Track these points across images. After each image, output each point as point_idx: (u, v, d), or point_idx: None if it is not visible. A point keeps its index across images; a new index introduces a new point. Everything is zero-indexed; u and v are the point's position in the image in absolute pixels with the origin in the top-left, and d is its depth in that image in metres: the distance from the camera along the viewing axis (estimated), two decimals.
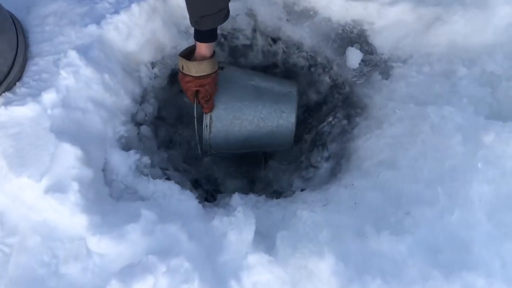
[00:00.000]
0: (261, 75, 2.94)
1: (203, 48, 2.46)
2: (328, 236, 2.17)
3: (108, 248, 2.33)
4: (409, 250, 2.08)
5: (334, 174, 2.78)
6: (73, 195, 2.41)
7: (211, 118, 2.79)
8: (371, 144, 2.63)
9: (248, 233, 2.33)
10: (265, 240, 2.39)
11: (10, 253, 2.45)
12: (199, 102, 2.67)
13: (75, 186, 2.43)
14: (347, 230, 2.20)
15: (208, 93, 2.59)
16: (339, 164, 2.80)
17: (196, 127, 2.74)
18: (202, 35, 2.41)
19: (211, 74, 2.52)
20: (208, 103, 2.70)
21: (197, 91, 2.61)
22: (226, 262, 2.31)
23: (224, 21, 2.33)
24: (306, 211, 2.33)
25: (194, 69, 2.47)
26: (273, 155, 3.48)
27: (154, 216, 2.42)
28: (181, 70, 2.55)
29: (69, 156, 2.50)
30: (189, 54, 2.55)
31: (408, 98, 2.68)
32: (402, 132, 2.56)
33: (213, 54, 2.53)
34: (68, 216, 2.40)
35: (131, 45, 2.99)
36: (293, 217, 2.40)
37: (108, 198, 2.64)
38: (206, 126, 2.81)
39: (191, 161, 3.30)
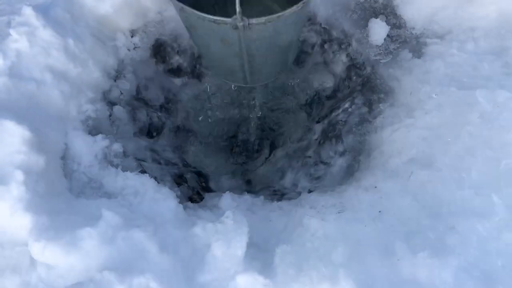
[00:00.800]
0: None
1: None
2: (345, 255, 1.62)
3: (56, 258, 1.79)
4: (456, 278, 1.54)
5: (350, 173, 2.24)
6: (16, 188, 1.88)
7: None
8: (400, 136, 2.08)
9: (238, 246, 1.80)
10: (260, 256, 1.86)
11: None
12: None
13: (19, 176, 1.90)
14: (369, 248, 1.65)
15: None
16: (356, 161, 2.25)
17: None
18: None
19: None
20: None
21: None
22: (208, 284, 1.78)
23: None
24: (315, 219, 1.79)
25: None
26: (276, 147, 2.91)
27: (117, 219, 1.88)
28: None
29: (13, 138, 1.96)
30: None
31: (448, 80, 2.13)
32: (441, 122, 2.01)
33: None
34: (8, 214, 1.86)
35: (106, 7, 2.45)
36: (298, 227, 1.87)
37: (65, 193, 2.10)
38: None
39: (175, 154, 2.73)
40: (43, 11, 2.22)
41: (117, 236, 1.83)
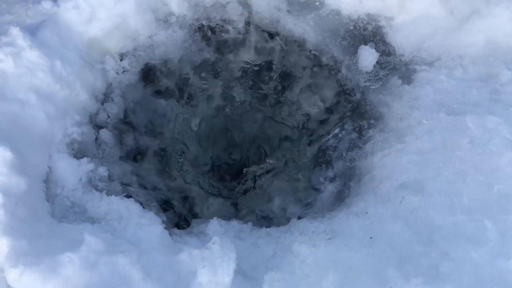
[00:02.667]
0: None
1: None
2: (336, 282, 1.57)
3: (33, 286, 1.70)
4: None
5: (340, 198, 2.20)
6: None
7: None
8: (390, 162, 2.06)
9: (225, 273, 1.73)
10: (248, 284, 1.79)
11: None
12: None
13: None
14: (361, 275, 1.61)
15: None
16: (347, 187, 2.22)
17: None
18: None
19: None
20: None
21: None
22: None
23: None
24: (305, 245, 1.74)
25: None
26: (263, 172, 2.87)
27: (100, 244, 1.81)
28: None
29: None
30: None
31: (437, 106, 2.13)
32: (431, 148, 2.00)
33: None
34: None
35: (95, 30, 2.44)
36: (287, 253, 1.81)
37: (46, 217, 2.03)
38: None
39: (163, 177, 2.68)
40: (30, 33, 2.20)
41: (100, 261, 1.75)
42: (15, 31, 2.15)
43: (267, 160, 2.84)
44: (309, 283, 1.59)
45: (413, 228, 1.77)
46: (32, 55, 2.15)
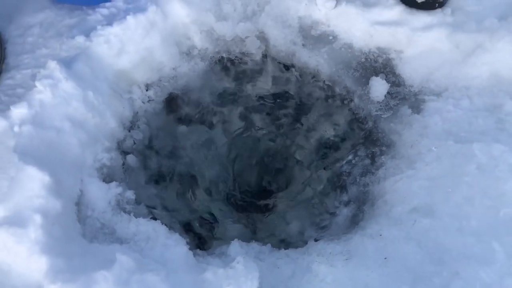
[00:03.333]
0: None
1: None
2: None
3: None
4: None
5: (355, 222, 2.31)
6: (34, 231, 1.94)
7: None
8: (402, 187, 2.18)
9: None
10: None
11: None
12: None
13: (37, 219, 1.97)
14: None
15: None
16: (361, 210, 2.34)
17: None
18: None
19: None
20: None
21: None
22: None
23: None
24: (324, 265, 1.85)
25: None
26: (280, 199, 3.00)
27: (131, 263, 1.93)
28: None
29: (34, 183, 2.04)
30: None
31: (446, 135, 2.26)
32: (440, 174, 2.12)
33: None
34: (24, 257, 1.92)
35: (124, 62, 2.61)
36: (306, 273, 1.92)
37: (78, 238, 2.16)
38: None
39: (183, 201, 2.82)
40: (66, 65, 2.37)
41: (132, 279, 1.87)
42: (52, 65, 2.33)
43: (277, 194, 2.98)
44: None
45: (424, 249, 1.88)
46: (67, 86, 2.32)
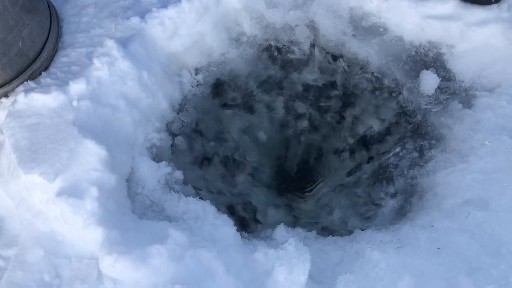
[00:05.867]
0: None
1: None
2: (411, 285, 1.67)
3: (125, 273, 1.87)
4: None
5: (402, 213, 2.30)
6: (90, 203, 1.99)
7: None
8: (454, 180, 2.17)
9: (301, 272, 1.87)
10: (317, 286, 1.90)
11: (5, 267, 2.02)
12: None
13: (93, 191, 2.02)
14: (434, 280, 1.71)
15: None
16: (408, 203, 2.33)
17: None
18: None
19: None
20: None
21: None
22: None
23: None
24: (377, 251, 1.85)
25: None
26: (322, 187, 3.00)
27: (184, 239, 1.97)
28: None
29: (91, 156, 2.09)
30: None
31: (499, 130, 2.24)
32: (495, 168, 2.10)
33: None
34: (80, 228, 1.97)
35: (176, 45, 2.64)
36: (357, 259, 1.92)
37: (129, 213, 2.20)
38: None
39: (226, 184, 2.85)
40: (122, 45, 2.42)
41: (185, 254, 1.90)
42: (110, 43, 2.38)
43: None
44: (384, 285, 1.70)
45: (479, 241, 1.86)
46: (124, 65, 2.36)
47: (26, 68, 2.39)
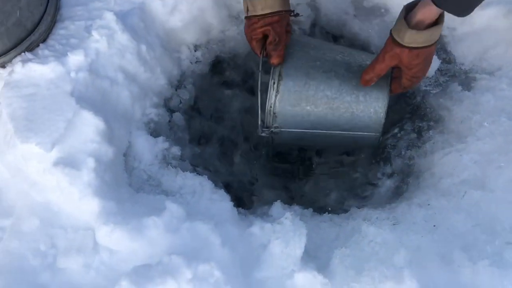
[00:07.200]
0: (343, 46, 2.38)
1: None
2: (406, 259, 1.68)
3: (121, 243, 1.88)
4: None
5: (399, 193, 2.31)
6: (87, 174, 1.99)
7: (280, 73, 2.09)
8: (451, 160, 2.17)
9: (297, 246, 1.87)
10: (312, 261, 1.90)
11: (1, 237, 2.01)
12: (266, 55, 2.09)
13: (90, 163, 2.01)
14: (429, 254, 1.72)
15: (278, 35, 2.01)
16: (405, 183, 2.34)
17: (259, 85, 2.09)
18: None
19: (281, 11, 1.98)
20: (276, 49, 2.04)
21: (264, 37, 2.04)
22: (266, 280, 1.85)
23: None
24: (373, 227, 1.86)
25: (260, 5, 1.93)
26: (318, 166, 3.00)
27: (181, 211, 1.98)
28: (246, 14, 2.04)
29: (89, 128, 2.08)
30: None
31: (498, 112, 2.24)
32: (493, 149, 2.10)
33: None
34: (76, 198, 1.97)
35: (175, 21, 2.62)
36: (353, 235, 1.93)
37: (126, 186, 2.21)
38: (274, 83, 2.08)
39: (223, 163, 2.85)
40: (121, 18, 2.39)
41: (182, 226, 1.91)
42: (109, 16, 2.35)
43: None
44: (380, 259, 1.71)
45: (475, 219, 1.87)
46: (123, 38, 2.34)
47: (24, 39, 2.36)
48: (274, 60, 2.08)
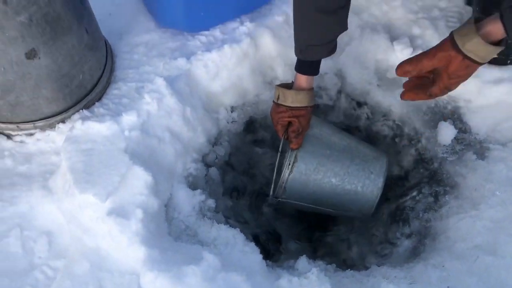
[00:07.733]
0: (350, 136, 2.75)
1: (303, 81, 2.32)
2: None
3: None
4: None
5: (416, 253, 2.48)
6: (135, 224, 2.23)
7: (296, 156, 2.52)
8: (465, 225, 2.35)
9: None
10: None
11: (54, 277, 2.25)
12: (287, 138, 2.46)
13: (139, 214, 2.25)
14: None
15: (301, 126, 2.38)
16: (422, 243, 2.51)
17: (276, 163, 2.52)
18: (304, 66, 2.30)
19: (307, 106, 2.34)
20: (298, 138, 2.44)
21: (288, 124, 2.41)
22: None
23: (330, 55, 2.24)
24: (392, 285, 2.03)
25: (291, 98, 2.31)
26: (340, 222, 3.20)
27: (217, 262, 2.18)
28: (275, 100, 2.40)
29: (139, 182, 2.34)
30: (285, 87, 2.43)
31: (510, 182, 2.43)
32: (504, 217, 2.28)
33: (312, 88, 2.39)
34: (125, 245, 2.20)
35: (216, 86, 2.92)
36: None
37: (166, 235, 2.43)
38: (289, 164, 2.51)
39: (253, 215, 3.07)
40: (170, 83, 2.70)
41: (218, 276, 2.11)
42: (159, 81, 2.66)
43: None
44: None
45: (487, 284, 2.04)
46: (171, 101, 2.64)
47: (83, 98, 2.68)
48: (294, 146, 2.51)
